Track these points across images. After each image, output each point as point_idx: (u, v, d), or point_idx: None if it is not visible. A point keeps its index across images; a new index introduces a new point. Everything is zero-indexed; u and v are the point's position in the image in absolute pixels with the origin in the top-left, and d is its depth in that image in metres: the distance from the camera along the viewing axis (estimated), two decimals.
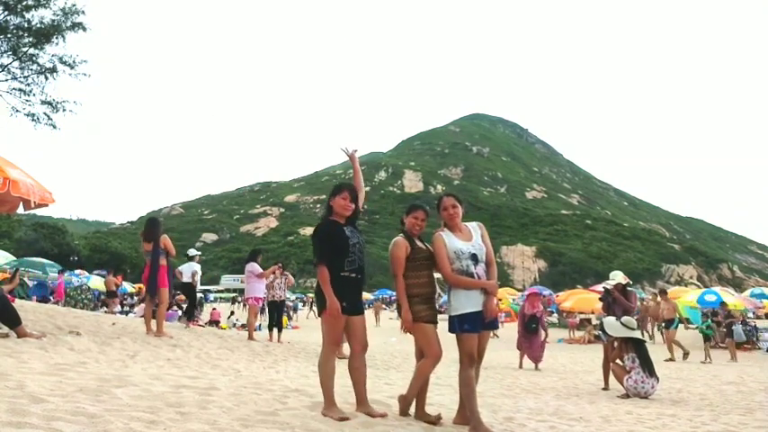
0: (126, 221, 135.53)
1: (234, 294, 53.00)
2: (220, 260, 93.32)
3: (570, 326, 23.96)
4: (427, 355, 3.86)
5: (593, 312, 21.01)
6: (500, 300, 24.19)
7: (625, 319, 7.15)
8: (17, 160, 6.41)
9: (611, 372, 7.34)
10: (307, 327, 25.15)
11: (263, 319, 17.51)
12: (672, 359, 13.04)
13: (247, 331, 10.81)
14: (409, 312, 3.78)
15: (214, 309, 25.00)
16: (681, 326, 14.82)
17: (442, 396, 5.27)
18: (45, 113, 17.61)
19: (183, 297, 15.01)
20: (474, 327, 3.75)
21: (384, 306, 41.22)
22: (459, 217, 3.94)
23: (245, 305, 19.44)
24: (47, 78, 17.44)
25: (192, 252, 12.35)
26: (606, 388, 7.47)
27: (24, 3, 16.77)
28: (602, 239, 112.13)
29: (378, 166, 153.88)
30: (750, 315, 21.72)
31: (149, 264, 8.19)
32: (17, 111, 17.41)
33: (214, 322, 19.76)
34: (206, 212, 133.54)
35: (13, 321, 6.14)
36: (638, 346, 7.03)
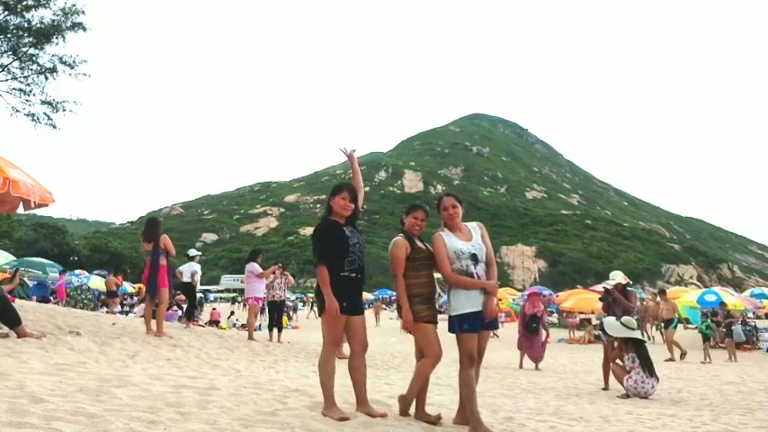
0: (126, 221, 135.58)
1: (234, 294, 53.01)
2: (220, 260, 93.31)
3: (570, 326, 23.97)
4: (427, 355, 3.86)
5: (593, 312, 21.02)
6: (500, 300, 24.19)
7: (625, 319, 7.15)
8: (17, 160, 6.42)
9: (611, 372, 7.34)
10: (307, 327, 25.15)
11: (263, 319, 17.51)
12: (672, 359, 13.05)
13: (247, 331, 10.81)
14: (410, 312, 3.78)
15: (214, 309, 25.00)
16: (680, 326, 14.83)
17: (442, 396, 5.27)
18: (45, 113, 17.63)
19: (182, 297, 15.02)
20: (474, 327, 3.75)
21: (384, 306, 41.21)
22: (459, 217, 3.94)
23: (245, 305, 19.44)
24: (47, 78, 17.46)
25: (192, 252, 12.36)
26: (606, 388, 7.47)
27: (24, 3, 16.77)
28: (602, 239, 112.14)
29: (378, 166, 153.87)
30: (750, 315, 21.73)
31: (149, 264, 8.19)
32: (17, 111, 17.42)
33: (214, 322, 19.76)
34: (206, 212, 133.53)
35: (13, 321, 6.14)
36: (638, 346, 7.03)
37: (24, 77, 17.56)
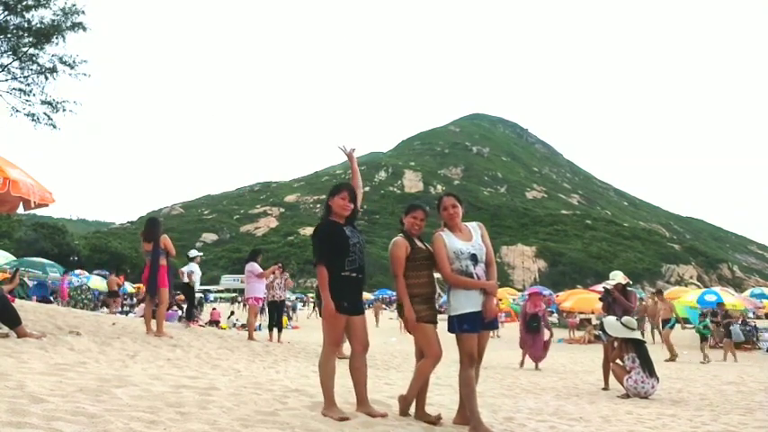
0: (126, 221, 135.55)
1: (234, 294, 53.05)
2: (220, 260, 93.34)
3: (570, 326, 23.99)
4: (427, 356, 3.86)
5: (593, 312, 21.03)
6: (500, 300, 24.19)
7: (625, 319, 7.15)
8: (17, 160, 6.42)
9: (611, 372, 7.34)
10: (307, 327, 25.17)
11: (263, 319, 17.52)
12: (672, 359, 13.05)
13: (247, 331, 10.82)
14: (412, 312, 3.78)
15: (214, 309, 25.03)
16: (677, 326, 14.86)
17: (442, 396, 5.27)
18: (45, 113, 17.62)
19: (182, 297, 15.03)
20: (473, 327, 3.75)
21: (384, 306, 41.23)
22: (459, 217, 3.94)
23: (245, 305, 19.45)
24: (47, 78, 17.45)
25: (192, 253, 12.38)
26: (606, 388, 7.48)
27: (24, 3, 16.77)
28: (602, 239, 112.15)
29: (378, 166, 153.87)
30: (750, 315, 21.74)
31: (149, 264, 8.20)
32: (17, 111, 17.42)
33: (214, 322, 19.78)
34: (206, 212, 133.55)
35: (13, 321, 6.14)
36: (638, 347, 7.03)
37: (24, 77, 17.57)
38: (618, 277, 7.68)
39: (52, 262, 25.09)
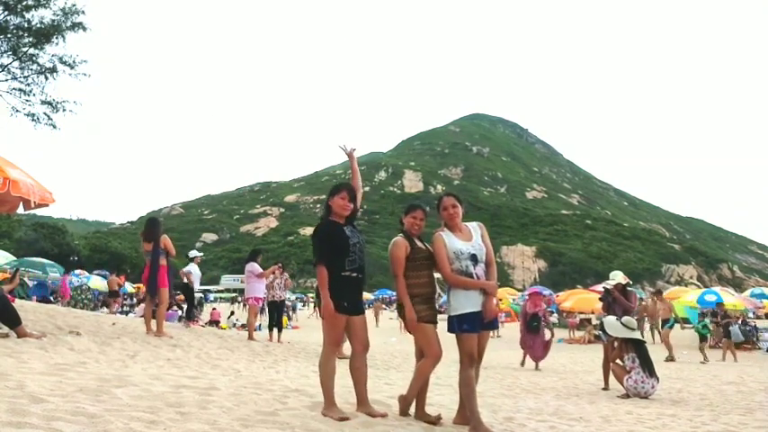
0: (126, 221, 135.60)
1: (234, 294, 53.04)
2: (220, 260, 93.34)
3: (570, 326, 23.97)
4: (427, 356, 3.86)
5: (593, 312, 21.03)
6: (500, 300, 24.16)
7: (625, 319, 7.15)
8: (17, 160, 6.41)
9: (611, 372, 7.34)
10: (307, 327, 25.16)
11: (263, 319, 17.52)
12: (672, 359, 13.05)
13: (247, 331, 10.81)
14: (413, 311, 3.77)
15: (214, 309, 25.02)
16: (677, 326, 14.86)
17: (442, 396, 5.27)
18: (45, 113, 17.61)
19: (182, 297, 15.03)
20: (473, 327, 3.75)
21: (384, 306, 41.23)
22: (459, 217, 3.94)
23: (245, 305, 19.45)
24: (47, 78, 17.44)
25: (192, 253, 12.38)
26: (606, 388, 7.48)
27: (24, 3, 16.76)
28: (602, 239, 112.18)
29: (378, 166, 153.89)
30: (750, 315, 21.74)
31: (149, 264, 8.20)
32: (17, 111, 17.40)
33: (214, 322, 19.77)
34: (206, 212, 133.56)
35: (13, 321, 6.14)
36: (638, 347, 7.03)
37: (24, 77, 17.56)
38: (618, 277, 7.68)
39: (52, 262, 25.08)
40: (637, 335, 7.20)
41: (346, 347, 6.40)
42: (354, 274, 3.72)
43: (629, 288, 7.81)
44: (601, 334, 8.26)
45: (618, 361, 7.14)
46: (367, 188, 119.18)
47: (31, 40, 17.19)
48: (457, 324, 3.75)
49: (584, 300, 22.36)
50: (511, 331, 19.25)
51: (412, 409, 3.96)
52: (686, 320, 20.65)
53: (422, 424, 3.78)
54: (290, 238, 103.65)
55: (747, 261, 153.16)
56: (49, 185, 6.64)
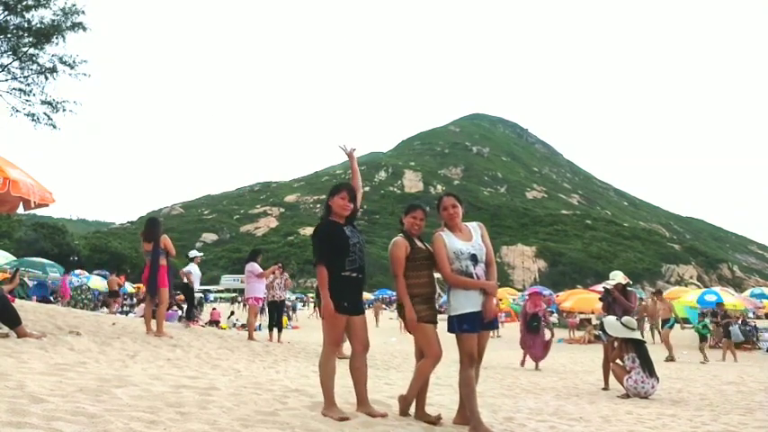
0: (126, 221, 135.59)
1: (234, 294, 53.04)
2: (220, 260, 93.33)
3: (570, 326, 23.97)
4: (427, 356, 3.86)
5: (593, 312, 21.03)
6: (500, 300, 24.18)
7: (625, 319, 7.15)
8: (17, 160, 6.41)
9: (611, 372, 7.34)
10: (307, 327, 25.17)
11: (263, 319, 17.52)
12: (672, 359, 13.05)
13: (247, 331, 10.81)
14: (413, 311, 3.77)
15: (214, 309, 25.02)
16: (677, 326, 14.86)
17: (442, 396, 5.27)
18: (45, 113, 17.61)
19: (182, 297, 15.03)
20: (473, 327, 3.75)
21: (384, 306, 41.23)
22: (459, 217, 3.94)
23: (245, 305, 19.45)
24: (47, 78, 17.44)
25: (192, 254, 12.38)
26: (606, 388, 7.48)
27: (24, 3, 16.76)
28: (602, 239, 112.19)
29: (378, 166, 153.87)
30: (750, 315, 21.74)
31: (149, 264, 8.20)
32: (17, 111, 17.40)
33: (214, 322, 19.78)
34: (206, 212, 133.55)
35: (13, 321, 6.14)
36: (638, 347, 7.03)
37: (24, 77, 17.56)
38: (618, 277, 7.68)
39: (52, 262, 25.08)
40: (637, 335, 7.20)
41: (346, 347, 6.40)
42: (354, 275, 3.72)
43: (629, 288, 7.81)
44: (601, 334, 8.26)
45: (618, 361, 7.14)
46: (367, 188, 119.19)
47: (31, 40, 17.19)
48: (457, 324, 3.75)
49: (584, 300, 22.36)
50: (511, 331, 19.26)
51: (412, 409, 3.96)
52: (686, 320, 20.64)
53: (422, 424, 3.78)
54: (290, 238, 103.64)
55: (747, 261, 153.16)
56: (48, 185, 6.64)
